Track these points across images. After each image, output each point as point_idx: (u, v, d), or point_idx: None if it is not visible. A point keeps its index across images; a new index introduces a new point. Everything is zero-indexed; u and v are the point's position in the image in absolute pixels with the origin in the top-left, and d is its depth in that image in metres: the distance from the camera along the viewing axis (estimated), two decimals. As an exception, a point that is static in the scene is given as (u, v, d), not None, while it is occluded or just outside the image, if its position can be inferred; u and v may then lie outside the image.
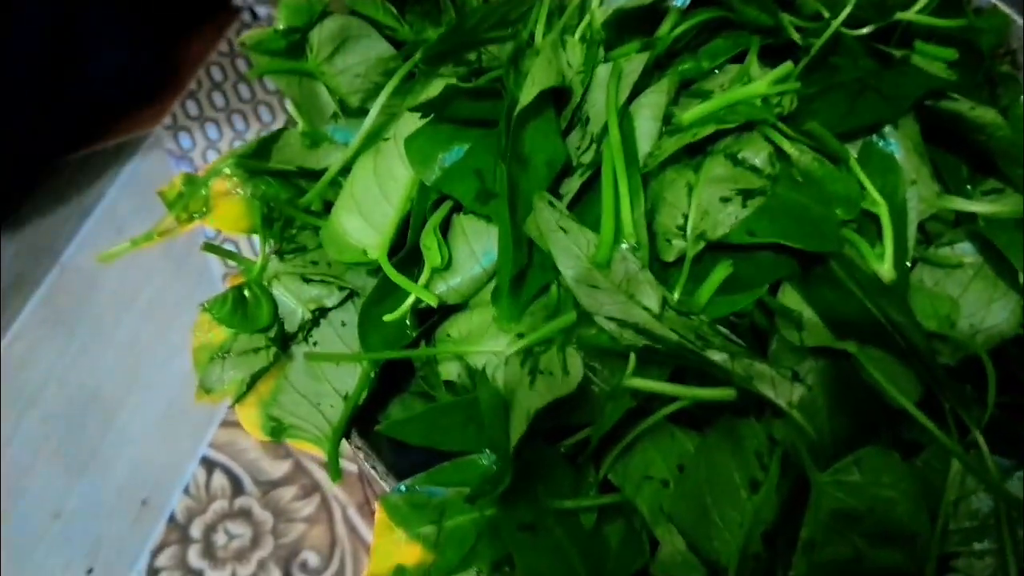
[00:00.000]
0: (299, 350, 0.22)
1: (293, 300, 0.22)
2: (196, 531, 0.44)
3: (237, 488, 0.45)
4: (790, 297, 0.20)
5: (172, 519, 0.44)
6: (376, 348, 0.22)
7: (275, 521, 0.44)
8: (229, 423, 0.47)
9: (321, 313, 0.22)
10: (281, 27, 0.25)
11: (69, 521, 0.44)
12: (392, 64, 0.25)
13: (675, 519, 0.19)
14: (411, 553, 0.19)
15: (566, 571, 0.18)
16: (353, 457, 0.41)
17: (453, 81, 0.23)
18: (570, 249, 0.20)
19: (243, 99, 0.58)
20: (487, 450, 0.19)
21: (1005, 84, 0.27)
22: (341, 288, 0.22)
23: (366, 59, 0.25)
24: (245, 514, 0.44)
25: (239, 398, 0.21)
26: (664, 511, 0.19)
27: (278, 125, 0.59)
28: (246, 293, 0.22)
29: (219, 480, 0.45)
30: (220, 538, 0.44)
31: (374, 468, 0.20)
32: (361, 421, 0.21)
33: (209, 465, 0.46)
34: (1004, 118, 0.24)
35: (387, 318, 0.21)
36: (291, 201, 0.23)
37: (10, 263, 0.53)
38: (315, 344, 0.22)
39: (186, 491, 0.45)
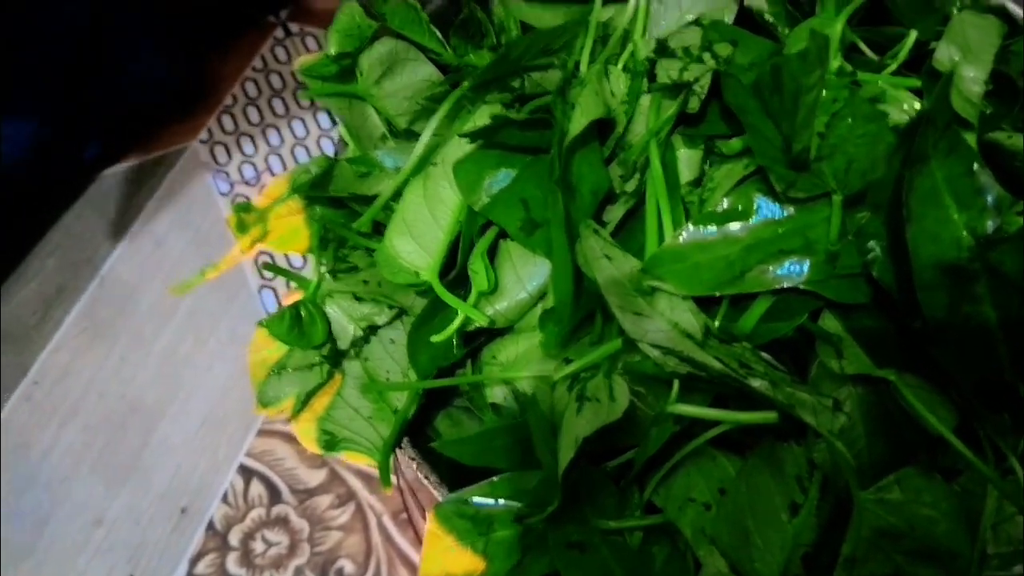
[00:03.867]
0: (351, 366, 0.22)
1: (345, 318, 0.23)
2: (234, 539, 0.45)
3: (274, 496, 0.46)
4: (830, 323, 0.20)
5: (211, 527, 0.45)
6: (424, 366, 0.22)
7: (311, 529, 0.45)
8: (266, 432, 0.48)
9: (372, 331, 0.23)
10: (332, 52, 0.26)
11: (110, 529, 0.46)
12: (439, 88, 0.26)
13: (717, 541, 0.19)
14: (459, 562, 0.20)
15: (612, 590, 0.19)
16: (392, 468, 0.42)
17: (499, 108, 0.24)
18: (615, 277, 0.21)
19: (277, 114, 0.59)
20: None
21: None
22: (391, 307, 0.23)
23: (413, 82, 0.26)
24: (282, 522, 0.45)
25: (295, 413, 0.22)
26: (706, 533, 0.20)
27: (312, 139, 0.60)
28: (301, 311, 0.23)
29: (256, 488, 0.46)
30: (258, 546, 0.44)
31: (427, 478, 0.21)
32: (411, 434, 0.22)
33: (247, 474, 0.47)
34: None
35: (435, 338, 0.21)
36: (345, 224, 0.23)
37: (50, 276, 0.54)
38: (366, 360, 0.22)
39: (224, 499, 0.46)
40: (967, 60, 0.24)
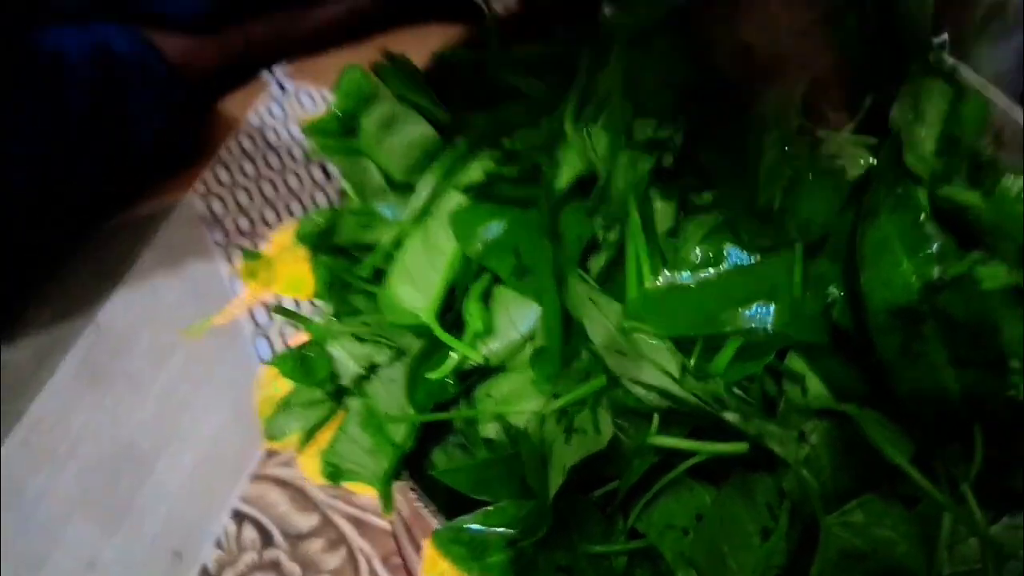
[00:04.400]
0: (353, 403, 0.24)
1: (348, 357, 0.25)
2: (226, 582, 0.45)
3: (267, 540, 0.47)
4: (796, 363, 0.22)
5: (204, 571, 0.46)
6: (421, 402, 0.24)
7: (303, 573, 0.45)
8: (260, 477, 0.49)
9: (372, 369, 0.24)
10: (338, 112, 0.28)
11: (104, 572, 0.46)
12: (433, 145, 0.28)
13: (695, 564, 0.21)
14: (457, 589, 0.21)
15: (599, 610, 0.20)
16: (380, 513, 0.43)
17: (491, 164, 0.26)
18: (599, 319, 0.22)
19: (272, 167, 0.61)
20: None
21: (987, 166, 0.30)
22: (391, 347, 0.25)
23: (410, 139, 0.28)
24: (275, 566, 0.46)
25: (301, 446, 0.24)
26: (685, 556, 0.21)
27: (306, 192, 0.62)
28: (307, 351, 0.24)
29: (249, 533, 0.47)
30: (249, 589, 0.45)
31: (426, 507, 0.22)
32: (409, 467, 0.23)
33: (240, 518, 0.47)
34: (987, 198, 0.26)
35: (432, 375, 0.23)
36: (348, 270, 0.25)
37: (46, 325, 0.55)
38: (367, 397, 0.24)
39: (217, 544, 0.46)
40: (919, 121, 0.27)
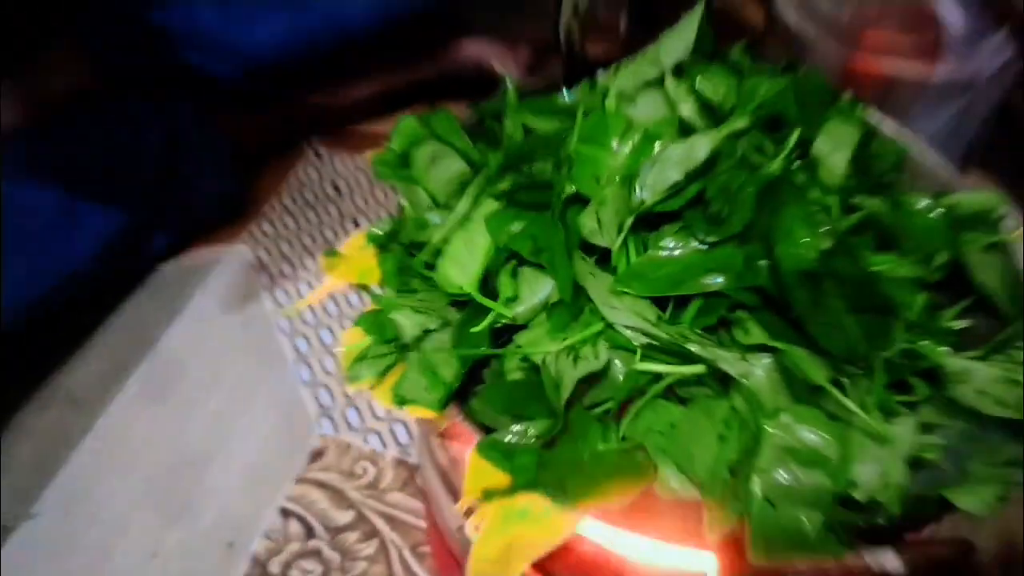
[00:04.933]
0: (413, 355, 0.32)
1: (408, 323, 0.32)
2: (275, 568, 0.52)
3: (309, 533, 0.53)
4: (740, 315, 0.30)
5: (254, 559, 0.52)
6: (464, 351, 0.32)
7: (341, 559, 0.52)
8: (303, 480, 0.56)
9: (426, 333, 0.32)
10: (396, 148, 0.37)
11: (166, 560, 0.53)
12: (467, 177, 0.37)
13: (670, 455, 0.29)
14: (494, 479, 0.29)
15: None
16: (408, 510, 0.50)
17: (514, 178, 0.34)
18: (598, 286, 0.31)
19: (310, 222, 0.70)
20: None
21: (894, 187, 0.38)
22: (440, 317, 0.33)
23: (449, 173, 0.37)
24: (316, 554, 0.52)
25: (373, 385, 0.32)
26: (662, 451, 0.29)
27: (340, 244, 0.71)
28: (380, 317, 0.32)
29: (294, 527, 0.54)
30: (295, 574, 0.52)
31: (469, 426, 0.30)
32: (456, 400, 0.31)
33: (286, 514, 0.54)
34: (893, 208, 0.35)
35: (473, 331, 0.31)
36: (409, 260, 0.34)
37: (111, 351, 0.63)
38: (421, 351, 0.32)
39: (266, 535, 0.53)
40: (834, 150, 0.36)
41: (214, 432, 0.58)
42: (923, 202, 0.36)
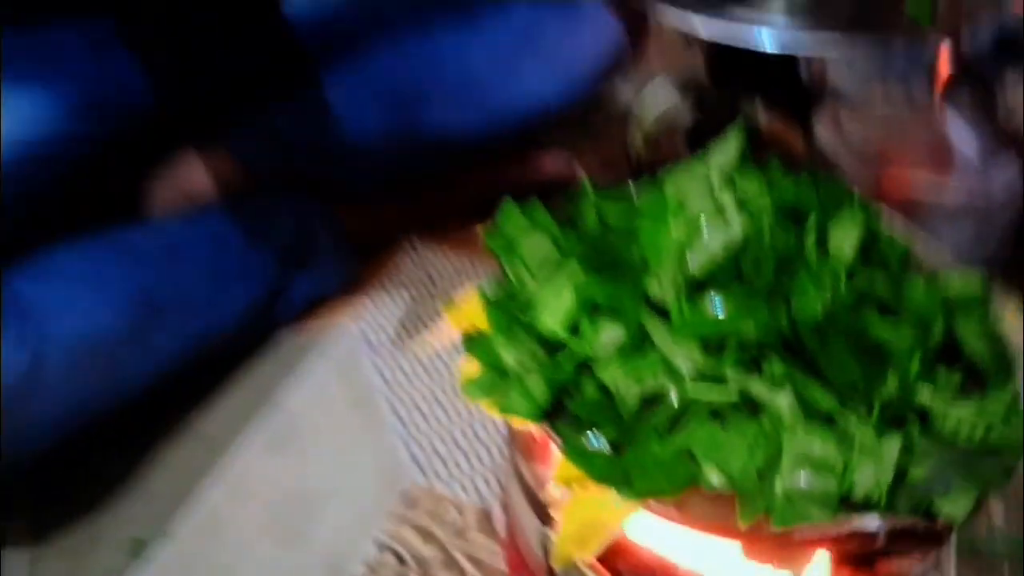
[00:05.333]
0: (513, 380, 0.42)
1: (509, 356, 0.42)
2: (370, 589, 0.60)
3: (401, 563, 0.62)
4: (767, 355, 0.39)
5: (354, 581, 0.61)
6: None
7: (429, 587, 0.60)
8: (396, 519, 0.64)
9: (522, 364, 0.42)
10: (501, 228, 0.48)
11: (280, 581, 0.61)
12: (554, 255, 0.48)
13: (711, 461, 0.38)
14: (576, 476, 0.38)
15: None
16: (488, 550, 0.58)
17: (592, 253, 0.45)
18: (659, 332, 0.40)
19: (406, 303, 0.82)
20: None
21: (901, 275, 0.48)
22: (531, 353, 0.42)
23: (541, 246, 0.48)
24: (407, 581, 0.61)
25: (484, 401, 0.41)
26: (706, 457, 0.38)
27: (432, 322, 0.82)
28: (487, 350, 0.42)
29: (388, 558, 0.62)
30: (387, 595, 0.60)
31: (555, 436, 0.39)
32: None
33: (381, 546, 0.63)
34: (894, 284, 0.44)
35: (560, 361, 0.41)
36: (512, 311, 0.44)
37: (238, 401, 0.73)
38: (520, 379, 0.42)
39: (364, 563, 0.62)
40: (844, 237, 0.45)
41: (323, 475, 0.67)
42: (919, 282, 0.46)
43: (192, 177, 0.76)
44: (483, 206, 0.87)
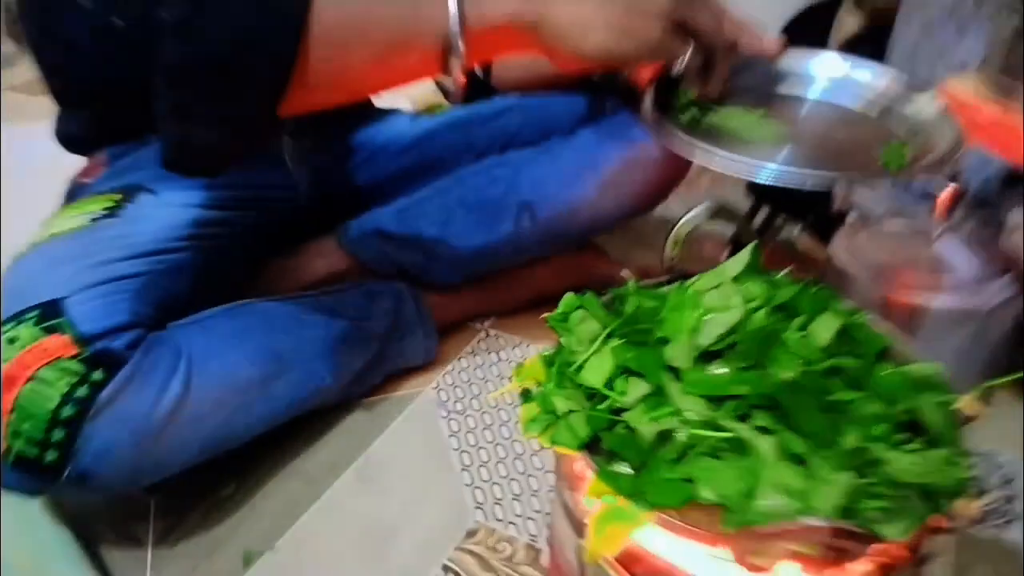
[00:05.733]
0: (563, 421, 0.55)
1: (560, 403, 0.56)
2: (437, 604, 0.72)
3: (463, 585, 0.74)
4: (755, 410, 0.52)
5: (423, 598, 0.73)
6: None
7: (486, 604, 0.72)
8: (460, 549, 0.77)
9: (569, 411, 0.56)
10: (561, 311, 0.63)
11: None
12: (600, 333, 0.62)
13: (708, 485, 0.50)
14: (605, 492, 0.51)
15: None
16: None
17: (627, 329, 0.59)
18: (674, 389, 0.54)
19: (477, 377, 0.97)
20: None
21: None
22: (578, 402, 0.56)
23: (591, 326, 0.62)
24: (468, 598, 0.73)
25: (539, 438, 0.55)
26: (704, 481, 0.50)
27: (493, 386, 0.96)
28: (544, 399, 0.56)
29: (452, 579, 0.75)
30: (451, 609, 0.72)
31: (592, 462, 0.52)
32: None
33: (447, 569, 0.75)
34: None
35: (599, 408, 0.55)
36: (565, 370, 0.58)
37: (336, 449, 0.87)
38: (568, 421, 0.55)
39: (432, 583, 0.74)
40: (823, 328, 0.59)
41: (401, 510, 0.81)
42: (891, 367, 0.58)
43: (315, 263, 0.94)
44: (544, 299, 1.03)
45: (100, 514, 0.78)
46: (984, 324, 0.86)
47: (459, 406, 0.93)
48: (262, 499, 0.82)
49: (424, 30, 0.58)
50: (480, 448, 0.87)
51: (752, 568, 0.50)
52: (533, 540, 0.77)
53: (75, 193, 0.89)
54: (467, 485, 0.83)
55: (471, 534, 0.78)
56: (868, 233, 0.94)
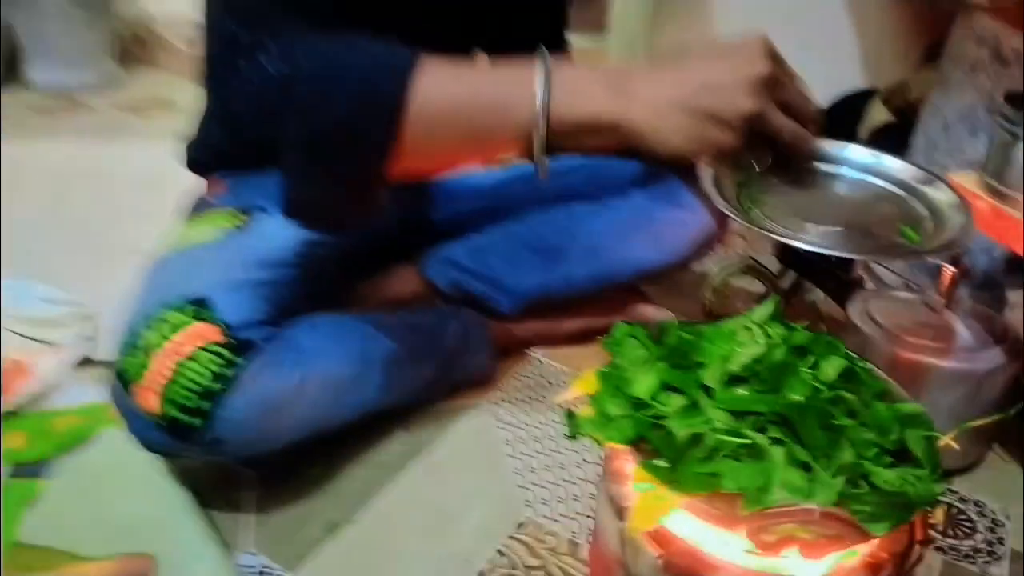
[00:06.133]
0: (613, 423, 0.69)
1: (612, 408, 0.70)
2: (489, 578, 0.85)
3: (514, 568, 0.87)
4: (771, 423, 0.66)
5: (480, 572, 0.86)
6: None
7: (530, 582, 0.85)
8: (512, 538, 0.90)
9: (618, 415, 0.70)
10: (613, 337, 0.77)
11: (428, 565, 0.87)
12: (645, 356, 0.76)
13: (731, 479, 0.64)
14: (647, 479, 0.65)
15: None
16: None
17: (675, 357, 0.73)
18: (705, 403, 0.68)
19: (527, 397, 1.11)
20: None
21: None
22: (625, 409, 0.70)
23: (639, 353, 0.76)
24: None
25: (588, 436, 0.69)
26: (727, 476, 0.64)
27: (547, 411, 1.09)
28: (599, 404, 0.70)
29: (504, 561, 0.88)
30: (500, 584, 0.85)
31: (633, 455, 0.66)
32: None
33: (501, 553, 0.88)
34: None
35: (643, 414, 0.68)
36: (616, 387, 0.72)
37: (408, 446, 1.01)
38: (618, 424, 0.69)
39: (488, 562, 0.87)
40: (830, 366, 0.73)
41: (461, 502, 0.94)
42: (884, 404, 0.72)
43: (398, 286, 1.10)
44: (591, 334, 1.17)
45: (213, 483, 0.93)
46: (979, 385, 0.98)
47: (512, 419, 1.07)
48: (345, 480, 0.96)
49: (510, 123, 0.65)
50: (529, 456, 1.01)
51: (762, 546, 0.63)
52: (574, 536, 0.91)
53: (200, 207, 1.05)
54: (519, 486, 0.97)
55: (521, 526, 0.91)
56: (882, 300, 1.08)
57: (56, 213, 1.50)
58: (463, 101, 0.66)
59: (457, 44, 0.70)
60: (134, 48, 2.30)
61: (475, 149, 0.72)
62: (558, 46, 1.06)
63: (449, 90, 0.65)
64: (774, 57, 0.66)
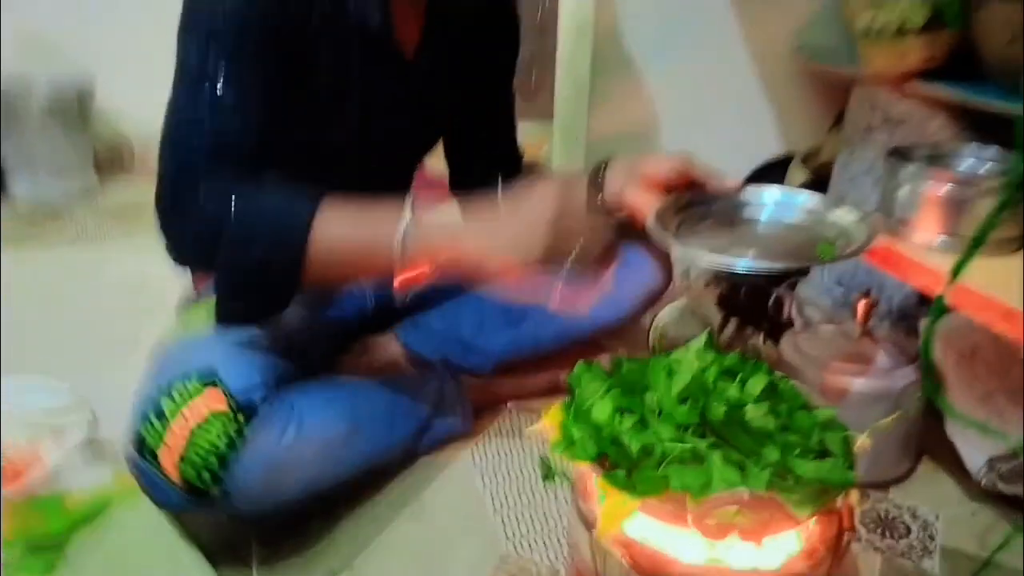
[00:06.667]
0: (578, 442, 0.80)
1: (576, 433, 0.81)
2: (479, 605, 0.95)
3: (498, 592, 0.96)
4: (709, 431, 0.78)
5: (468, 600, 0.95)
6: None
7: (516, 605, 0.94)
8: (497, 569, 0.99)
9: (580, 437, 0.81)
10: (575, 375, 0.89)
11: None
12: (603, 386, 0.88)
13: (678, 481, 0.75)
14: (607, 489, 0.76)
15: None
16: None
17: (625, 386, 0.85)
18: (655, 420, 0.80)
19: (503, 447, 1.21)
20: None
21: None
22: (588, 432, 0.81)
23: (597, 385, 0.89)
24: (502, 600, 0.95)
25: (562, 456, 0.80)
26: (676, 479, 0.75)
27: (527, 456, 1.20)
28: (565, 432, 0.81)
29: (490, 588, 0.97)
30: (490, 609, 0.94)
31: (598, 471, 0.77)
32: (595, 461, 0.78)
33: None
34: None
35: (604, 434, 0.80)
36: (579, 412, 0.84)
37: (393, 494, 1.10)
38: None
39: (475, 590, 0.96)
40: (754, 384, 0.86)
41: (449, 542, 1.03)
42: (807, 412, 0.84)
43: (379, 352, 1.21)
44: (559, 388, 1.28)
45: (216, 539, 1.01)
46: (896, 401, 1.11)
47: (490, 467, 1.17)
48: (342, 532, 1.05)
49: (381, 261, 0.85)
50: (508, 496, 1.11)
51: (706, 532, 0.74)
52: (552, 563, 1.00)
53: (193, 297, 1.17)
54: (499, 522, 1.07)
55: (504, 559, 1.01)
56: (809, 335, 1.22)
57: (48, 313, 1.60)
58: (349, 240, 0.86)
59: (390, 184, 0.96)
60: (110, 157, 2.44)
61: (363, 275, 0.99)
62: (505, 166, 1.25)
63: (338, 232, 0.85)
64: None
